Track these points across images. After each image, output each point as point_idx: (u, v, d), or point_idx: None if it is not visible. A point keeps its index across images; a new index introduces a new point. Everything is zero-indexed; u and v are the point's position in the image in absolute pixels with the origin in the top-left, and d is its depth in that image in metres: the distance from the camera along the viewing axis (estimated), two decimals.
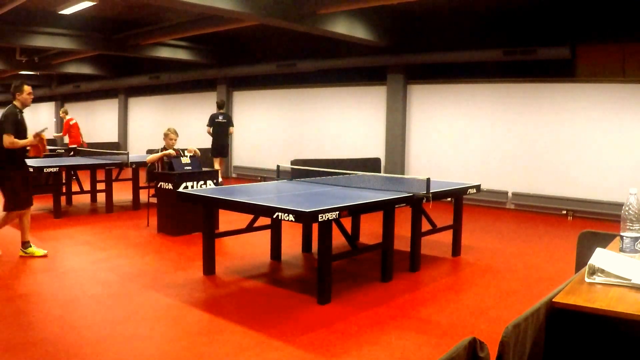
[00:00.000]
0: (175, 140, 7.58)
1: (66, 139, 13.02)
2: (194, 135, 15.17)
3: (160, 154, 7.42)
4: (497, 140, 9.74)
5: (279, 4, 7.91)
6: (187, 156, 7.24)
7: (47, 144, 7.04)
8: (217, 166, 11.73)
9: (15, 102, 5.51)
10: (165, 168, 7.26)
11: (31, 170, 8.21)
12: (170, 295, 4.49)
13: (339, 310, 4.20)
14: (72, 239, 6.71)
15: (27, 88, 5.55)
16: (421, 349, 3.54)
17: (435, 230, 5.77)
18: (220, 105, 11.80)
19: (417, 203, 5.08)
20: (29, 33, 10.52)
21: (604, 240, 2.53)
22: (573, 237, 2.98)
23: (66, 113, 12.87)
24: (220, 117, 11.67)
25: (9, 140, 5.30)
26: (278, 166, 6.48)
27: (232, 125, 12.10)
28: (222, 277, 5.08)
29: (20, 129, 5.46)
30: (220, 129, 11.70)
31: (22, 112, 5.61)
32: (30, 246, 5.69)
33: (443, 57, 9.92)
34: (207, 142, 14.64)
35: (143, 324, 3.91)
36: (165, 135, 7.57)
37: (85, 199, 9.47)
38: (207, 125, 11.78)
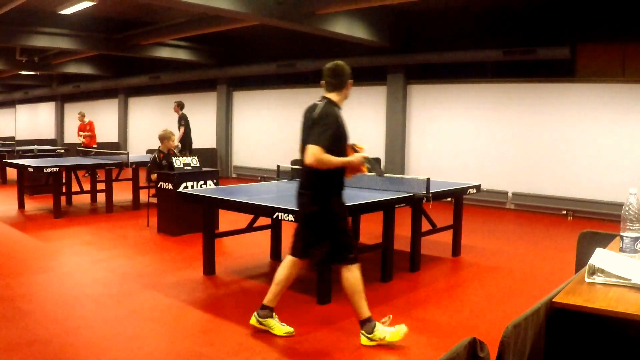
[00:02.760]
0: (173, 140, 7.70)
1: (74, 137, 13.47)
2: (194, 135, 15.19)
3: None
4: (497, 140, 9.73)
5: (279, 3, 7.90)
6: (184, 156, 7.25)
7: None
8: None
9: (332, 96, 3.53)
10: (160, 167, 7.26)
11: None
12: (170, 295, 4.49)
13: (339, 310, 4.20)
14: (72, 239, 6.71)
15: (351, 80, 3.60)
16: (421, 349, 3.54)
17: (435, 230, 5.77)
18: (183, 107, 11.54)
19: (417, 203, 5.08)
20: (29, 33, 10.52)
21: (604, 240, 2.53)
22: (573, 237, 2.97)
23: (83, 116, 13.26)
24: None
25: (316, 153, 3.28)
26: (278, 166, 6.48)
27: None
28: (222, 277, 5.08)
29: (340, 140, 3.50)
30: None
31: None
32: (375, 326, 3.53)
33: (443, 57, 9.92)
34: (208, 142, 14.69)
35: (143, 324, 3.91)
36: (168, 138, 7.57)
37: (85, 199, 9.47)
38: (183, 126, 11.31)
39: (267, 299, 3.68)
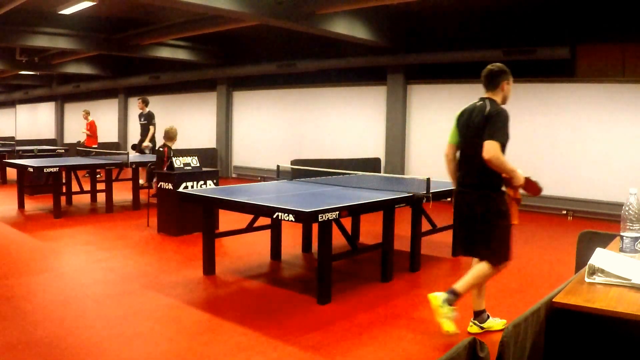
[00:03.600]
0: None
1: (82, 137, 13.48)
2: (194, 135, 15.18)
3: None
4: None
5: (279, 3, 7.90)
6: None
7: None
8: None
9: (492, 96, 3.61)
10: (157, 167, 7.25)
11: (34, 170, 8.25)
12: (170, 295, 4.49)
13: (339, 310, 4.20)
14: (72, 239, 6.71)
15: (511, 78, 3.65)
16: (421, 349, 3.54)
17: (435, 230, 5.77)
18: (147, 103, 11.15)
19: (417, 203, 5.08)
20: (29, 33, 10.51)
21: (604, 240, 2.53)
22: (573, 237, 2.98)
23: (88, 114, 13.25)
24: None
25: (496, 149, 3.32)
26: (278, 166, 6.48)
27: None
28: (222, 277, 5.08)
29: (508, 140, 3.48)
30: None
31: None
32: (488, 317, 3.83)
33: (443, 57, 9.92)
34: (208, 142, 14.69)
35: (143, 323, 3.91)
36: (176, 135, 7.59)
37: (85, 199, 9.47)
38: (154, 125, 10.86)
39: (476, 305, 3.80)
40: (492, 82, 3.61)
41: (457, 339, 3.39)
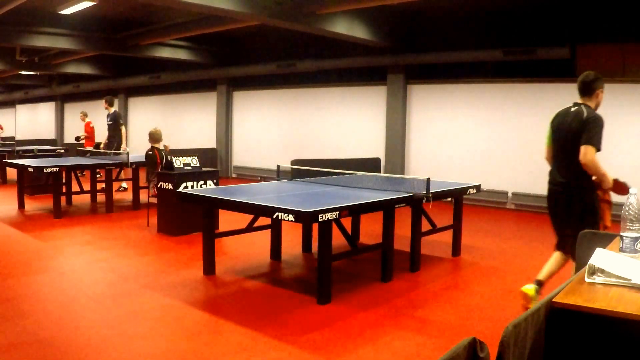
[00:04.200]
0: None
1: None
2: (194, 135, 15.18)
3: None
4: (497, 140, 9.73)
5: (279, 4, 7.90)
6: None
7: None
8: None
9: (586, 101, 3.82)
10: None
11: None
12: (170, 295, 4.49)
13: (339, 310, 4.20)
14: (72, 239, 6.71)
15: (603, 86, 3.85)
16: (421, 349, 3.54)
17: (435, 230, 5.77)
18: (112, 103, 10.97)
19: (417, 203, 5.08)
20: (29, 33, 10.51)
21: (604, 240, 2.53)
22: None
23: (85, 115, 13.18)
24: None
25: (593, 154, 3.58)
26: (278, 166, 6.48)
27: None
28: (222, 277, 5.08)
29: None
30: None
31: None
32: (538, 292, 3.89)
33: (443, 57, 9.92)
34: (208, 142, 14.69)
35: (143, 324, 3.91)
36: (161, 136, 7.69)
37: (85, 199, 9.47)
38: (124, 125, 10.86)
39: (544, 275, 3.93)
40: (588, 89, 3.82)
41: (457, 339, 3.40)
